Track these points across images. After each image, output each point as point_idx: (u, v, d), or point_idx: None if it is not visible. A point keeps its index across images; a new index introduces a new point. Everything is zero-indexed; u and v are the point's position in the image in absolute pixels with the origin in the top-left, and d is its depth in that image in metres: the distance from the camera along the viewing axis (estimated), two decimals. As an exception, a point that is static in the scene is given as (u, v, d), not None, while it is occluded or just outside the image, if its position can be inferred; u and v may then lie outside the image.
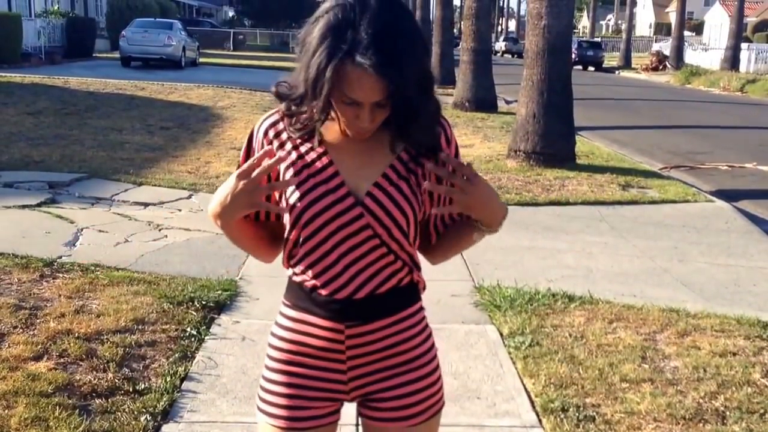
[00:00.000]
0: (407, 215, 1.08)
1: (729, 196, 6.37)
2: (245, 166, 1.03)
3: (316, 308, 1.12)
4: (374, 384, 1.15)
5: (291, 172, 1.09)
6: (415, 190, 1.09)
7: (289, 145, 1.10)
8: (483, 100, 11.68)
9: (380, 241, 1.08)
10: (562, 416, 2.31)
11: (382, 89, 0.97)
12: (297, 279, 1.13)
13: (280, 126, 1.11)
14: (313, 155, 1.09)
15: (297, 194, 1.08)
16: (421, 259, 1.18)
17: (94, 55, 19.98)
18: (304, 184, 1.08)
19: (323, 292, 1.10)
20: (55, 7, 20.49)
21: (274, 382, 1.15)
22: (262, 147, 1.11)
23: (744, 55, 25.59)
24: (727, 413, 2.38)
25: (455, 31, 27.41)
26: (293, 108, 1.06)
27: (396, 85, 0.96)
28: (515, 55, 38.32)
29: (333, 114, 1.06)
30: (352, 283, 1.10)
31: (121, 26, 18.87)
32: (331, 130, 1.09)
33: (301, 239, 1.10)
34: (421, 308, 1.18)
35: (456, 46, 17.49)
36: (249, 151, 1.14)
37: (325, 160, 1.09)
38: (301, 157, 1.09)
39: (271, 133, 1.12)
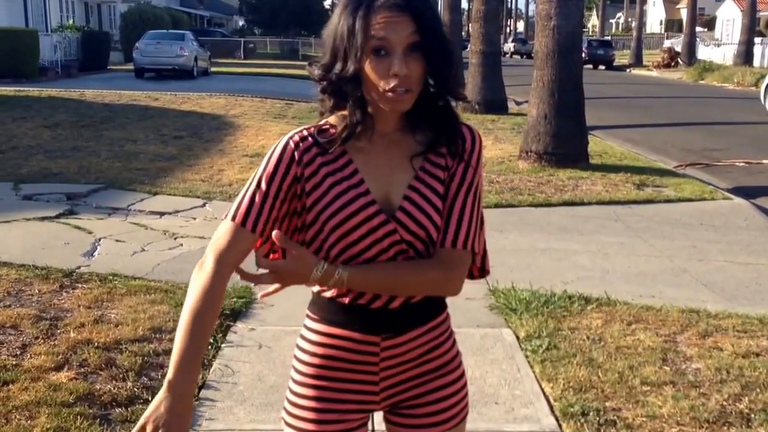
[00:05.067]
0: (437, 224, 1.08)
1: (747, 193, 6.27)
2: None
3: (351, 321, 1.10)
4: (406, 392, 1.15)
5: (322, 188, 1.07)
6: (441, 196, 1.08)
7: (318, 161, 1.08)
8: (493, 102, 11.65)
9: (414, 253, 1.08)
10: (582, 421, 2.28)
11: (409, 22, 0.99)
12: (328, 294, 1.11)
13: (310, 142, 1.08)
14: (345, 171, 1.07)
15: (329, 211, 1.06)
16: None
17: (108, 67, 20.28)
18: (337, 199, 1.05)
19: (361, 301, 1.09)
20: (70, 22, 20.89)
21: (302, 396, 1.14)
22: (294, 160, 1.06)
23: (757, 50, 25.25)
24: (752, 415, 2.33)
25: (464, 34, 27.42)
26: (328, 77, 1.05)
27: (422, 15, 0.99)
28: (524, 56, 38.17)
29: (363, 112, 1.05)
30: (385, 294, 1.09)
31: (134, 39, 19.15)
32: (360, 141, 1.08)
33: (331, 256, 1.08)
34: (448, 315, 1.18)
35: (465, 49, 17.46)
36: (279, 163, 1.06)
37: (358, 177, 1.07)
38: (332, 173, 1.07)
39: (299, 150, 1.07)
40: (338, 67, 1.02)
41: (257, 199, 1.06)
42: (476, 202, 1.11)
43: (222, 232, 1.05)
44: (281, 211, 1.07)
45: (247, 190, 1.07)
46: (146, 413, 1.00)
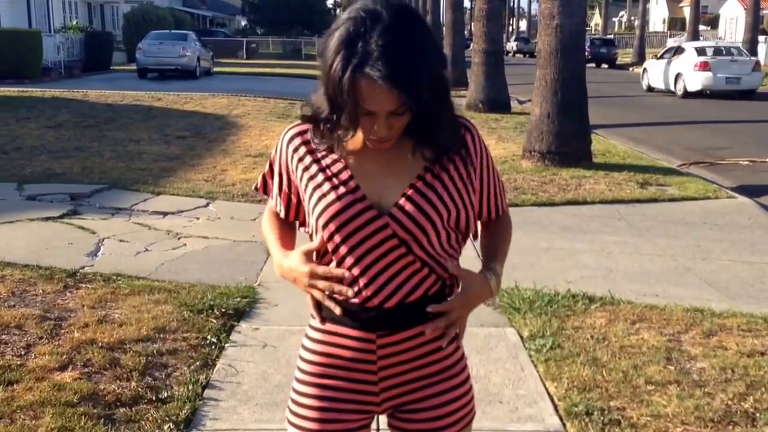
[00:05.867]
0: (436, 225, 1.09)
1: (751, 191, 6.25)
2: (319, 271, 1.10)
3: (347, 319, 1.12)
4: (406, 395, 1.15)
5: (312, 184, 1.11)
6: (443, 196, 1.10)
7: (309, 158, 1.12)
8: (496, 101, 11.64)
9: (406, 250, 1.09)
10: (587, 420, 2.28)
11: (394, 99, 0.99)
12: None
13: (306, 136, 1.13)
14: (335, 168, 1.10)
15: (318, 208, 1.09)
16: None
17: (111, 68, 20.32)
18: (325, 197, 1.09)
19: (355, 301, 1.11)
20: (74, 23, 20.93)
21: (305, 395, 1.15)
22: (287, 155, 1.15)
23: (761, 48, 25.11)
24: (757, 415, 2.33)
25: (466, 33, 27.42)
26: (322, 126, 1.08)
27: (407, 94, 0.98)
28: (527, 55, 38.12)
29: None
30: (382, 293, 1.10)
31: (137, 39, 19.19)
32: (355, 141, 1.10)
33: (324, 253, 1.11)
34: None
35: (467, 48, 17.46)
36: (276, 159, 1.17)
37: (347, 173, 1.09)
38: (323, 169, 1.11)
39: (292, 147, 1.14)
40: (326, 115, 1.06)
41: (269, 180, 1.21)
42: (494, 175, 1.19)
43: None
44: (295, 193, 1.17)
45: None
46: (300, 277, 1.12)
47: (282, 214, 1.19)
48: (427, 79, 0.99)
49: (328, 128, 1.07)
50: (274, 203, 1.20)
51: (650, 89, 16.86)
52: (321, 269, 1.09)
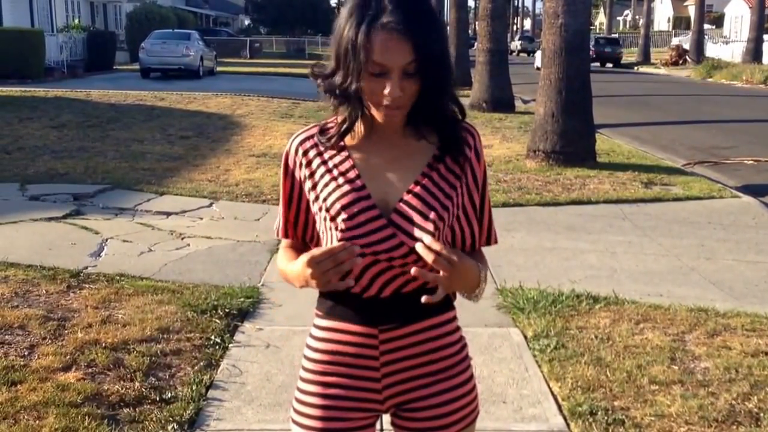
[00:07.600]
0: (444, 218, 1.10)
1: (755, 191, 6.23)
2: (317, 254, 1.03)
3: (350, 313, 1.13)
4: (409, 393, 1.15)
5: (320, 185, 1.12)
6: (451, 195, 1.11)
7: (317, 161, 1.13)
8: (500, 101, 11.63)
9: (408, 249, 1.09)
10: (591, 420, 2.27)
11: (408, 49, 1.02)
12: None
13: (313, 140, 1.15)
14: (342, 167, 1.12)
15: (325, 207, 1.11)
16: None
17: (114, 67, 20.37)
18: (330, 196, 1.10)
19: (355, 290, 1.11)
20: (76, 22, 20.99)
21: (309, 393, 1.16)
22: (296, 163, 1.15)
23: (766, 47, 25.04)
24: (761, 414, 2.32)
25: (470, 32, 27.42)
26: (330, 84, 1.09)
27: (421, 45, 1.02)
28: (531, 54, 38.06)
29: (365, 111, 1.09)
30: (375, 284, 1.11)
31: (140, 38, 19.22)
32: (361, 135, 1.12)
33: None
34: (455, 317, 1.18)
35: (471, 47, 17.45)
36: (286, 169, 1.17)
37: (354, 172, 1.11)
38: (330, 170, 1.12)
39: (301, 150, 1.15)
40: (339, 80, 1.07)
41: (282, 210, 1.19)
42: (487, 193, 1.19)
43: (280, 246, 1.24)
44: (304, 208, 1.16)
45: (279, 202, 1.21)
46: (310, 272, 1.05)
47: (280, 228, 1.19)
48: (437, 38, 1.04)
49: (333, 85, 1.07)
50: (281, 220, 1.19)
51: (538, 69, 24.46)
52: (318, 251, 1.03)
